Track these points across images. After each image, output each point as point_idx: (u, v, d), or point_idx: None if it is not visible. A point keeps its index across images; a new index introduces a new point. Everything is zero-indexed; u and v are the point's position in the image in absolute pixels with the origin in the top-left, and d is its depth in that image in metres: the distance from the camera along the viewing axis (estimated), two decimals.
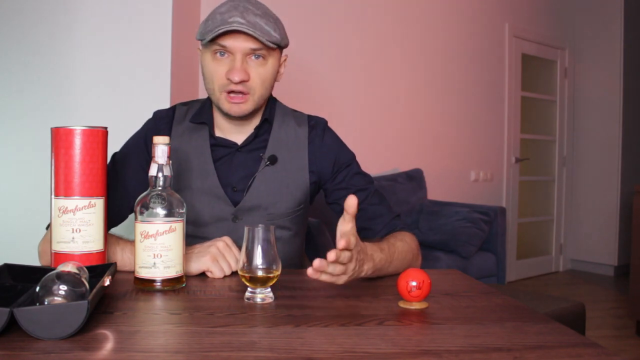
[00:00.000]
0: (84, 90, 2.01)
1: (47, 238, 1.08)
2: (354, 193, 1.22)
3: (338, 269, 0.86)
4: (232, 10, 1.09)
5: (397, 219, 1.24)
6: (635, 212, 2.92)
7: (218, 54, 1.11)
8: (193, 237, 1.16)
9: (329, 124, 1.31)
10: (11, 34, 1.96)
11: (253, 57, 1.11)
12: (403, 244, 1.12)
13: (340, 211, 1.25)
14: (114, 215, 1.18)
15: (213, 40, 1.09)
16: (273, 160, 1.20)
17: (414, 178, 3.45)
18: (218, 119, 1.23)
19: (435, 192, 3.66)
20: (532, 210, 4.64)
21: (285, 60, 1.22)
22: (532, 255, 4.60)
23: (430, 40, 3.76)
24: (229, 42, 1.09)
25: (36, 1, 1.98)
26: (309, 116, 1.29)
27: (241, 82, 1.10)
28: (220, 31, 1.06)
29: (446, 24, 3.84)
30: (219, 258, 1.02)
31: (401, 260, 1.10)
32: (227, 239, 1.05)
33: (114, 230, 1.17)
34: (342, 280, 0.88)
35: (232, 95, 1.11)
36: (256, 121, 1.22)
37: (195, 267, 1.02)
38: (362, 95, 3.43)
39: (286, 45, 1.17)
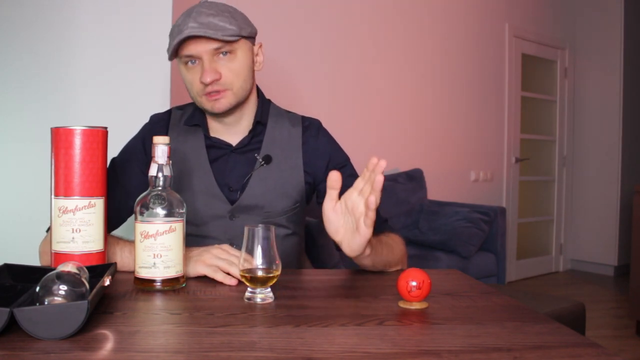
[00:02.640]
0: (83, 90, 2.01)
1: (48, 240, 1.08)
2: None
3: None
4: (185, 19, 1.11)
5: (385, 223, 1.25)
6: (635, 212, 2.92)
7: (189, 63, 1.14)
8: (191, 235, 1.16)
9: (329, 124, 1.32)
10: (10, 32, 1.96)
11: (221, 55, 1.13)
12: (387, 238, 1.14)
13: None
14: (114, 219, 1.18)
15: (179, 53, 1.13)
16: (267, 160, 1.21)
17: (414, 178, 3.45)
18: (210, 121, 1.24)
19: (435, 192, 3.66)
20: (532, 210, 4.64)
21: (260, 47, 1.23)
22: (532, 255, 4.60)
23: (430, 40, 3.76)
24: (190, 49, 1.12)
25: None
26: (303, 117, 1.30)
27: (213, 81, 1.12)
28: (175, 42, 1.10)
29: (446, 24, 3.84)
30: (214, 262, 1.01)
31: (389, 250, 1.11)
32: (225, 246, 1.05)
33: (114, 232, 1.17)
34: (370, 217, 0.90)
35: (210, 94, 1.14)
36: (247, 121, 1.23)
37: (192, 271, 1.02)
38: (362, 95, 3.43)
39: (251, 34, 1.18)
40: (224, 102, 1.15)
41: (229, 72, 1.14)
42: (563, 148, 4.81)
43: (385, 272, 1.12)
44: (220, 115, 1.18)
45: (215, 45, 1.11)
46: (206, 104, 1.15)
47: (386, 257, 1.10)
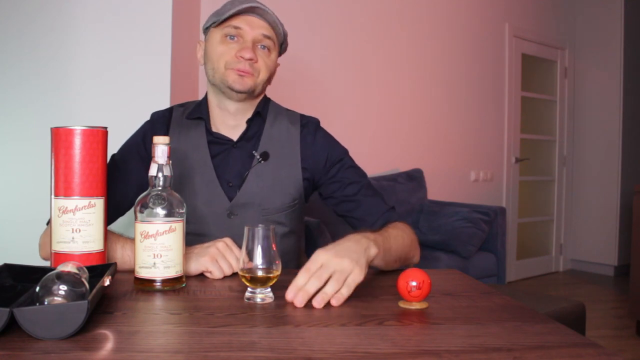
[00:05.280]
0: (83, 90, 2.01)
1: (48, 232, 1.09)
2: (346, 186, 1.24)
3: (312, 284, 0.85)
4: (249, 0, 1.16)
5: (392, 211, 1.25)
6: (635, 212, 2.92)
7: (228, 38, 1.17)
8: (191, 234, 1.16)
9: (330, 124, 1.33)
10: (10, 32, 1.96)
11: (259, 47, 1.18)
12: (397, 231, 1.12)
13: (335, 204, 1.26)
14: (114, 212, 1.19)
15: (227, 22, 1.16)
16: (265, 156, 1.22)
17: (414, 178, 3.44)
18: (213, 115, 1.25)
19: (435, 192, 3.66)
20: (532, 210, 4.64)
21: (278, 66, 1.27)
22: (532, 255, 4.60)
23: (430, 40, 3.76)
24: (243, 23, 1.16)
25: None
26: (302, 115, 1.32)
27: (250, 59, 1.16)
28: (242, 7, 1.13)
29: (446, 24, 3.84)
30: (218, 258, 1.02)
31: (401, 243, 1.10)
32: (227, 239, 1.05)
33: (113, 227, 1.17)
34: (343, 296, 0.87)
35: (239, 70, 1.16)
36: (248, 114, 1.25)
37: (194, 267, 1.02)
38: (362, 96, 3.43)
39: (285, 49, 1.26)
40: (248, 82, 1.17)
41: (263, 62, 1.19)
42: (563, 148, 4.81)
43: (401, 268, 1.10)
44: (235, 96, 1.19)
45: (266, 32, 1.17)
46: (231, 76, 1.17)
47: (396, 252, 1.08)
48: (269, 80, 1.24)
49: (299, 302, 0.83)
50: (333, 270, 0.86)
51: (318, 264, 0.87)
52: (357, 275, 0.88)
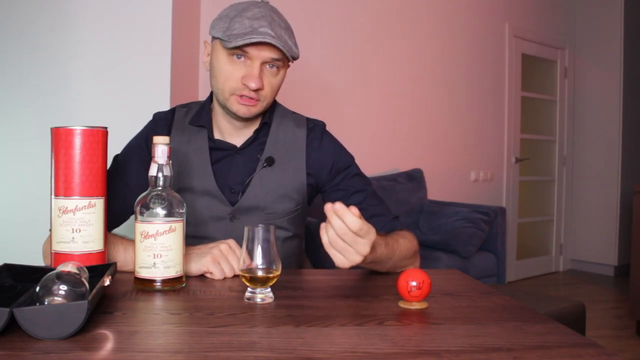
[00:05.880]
0: (83, 90, 2.01)
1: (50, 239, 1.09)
2: (351, 194, 1.23)
3: (340, 242, 0.87)
4: (260, 19, 1.09)
5: (396, 220, 1.24)
6: (635, 212, 2.92)
7: (235, 57, 1.12)
8: (192, 237, 1.16)
9: (330, 124, 1.32)
10: (10, 32, 1.96)
11: (268, 66, 1.13)
12: (405, 242, 1.13)
13: None
14: (117, 216, 1.18)
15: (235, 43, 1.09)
16: (270, 161, 1.20)
17: (414, 178, 3.45)
18: (218, 121, 1.23)
19: (435, 192, 3.66)
20: (532, 210, 4.64)
21: (288, 68, 1.23)
22: (532, 255, 4.60)
23: (431, 40, 3.76)
24: (253, 50, 1.10)
25: None
26: (308, 119, 1.30)
27: (257, 89, 1.12)
28: (253, 40, 1.07)
29: (446, 24, 3.84)
30: (220, 260, 1.02)
31: (401, 259, 1.10)
32: (231, 241, 1.05)
33: (115, 231, 1.17)
34: (354, 257, 0.88)
35: (244, 97, 1.13)
36: (255, 125, 1.23)
37: (195, 267, 1.02)
38: (362, 96, 3.43)
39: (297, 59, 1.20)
40: (253, 111, 1.15)
41: (269, 85, 1.15)
42: (563, 148, 4.81)
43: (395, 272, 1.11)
44: (240, 119, 1.18)
45: (276, 56, 1.11)
46: (234, 104, 1.14)
47: (394, 261, 1.08)
48: (277, 93, 1.21)
49: (330, 209, 0.87)
50: (354, 244, 0.87)
51: (365, 230, 0.87)
52: (343, 262, 0.89)
